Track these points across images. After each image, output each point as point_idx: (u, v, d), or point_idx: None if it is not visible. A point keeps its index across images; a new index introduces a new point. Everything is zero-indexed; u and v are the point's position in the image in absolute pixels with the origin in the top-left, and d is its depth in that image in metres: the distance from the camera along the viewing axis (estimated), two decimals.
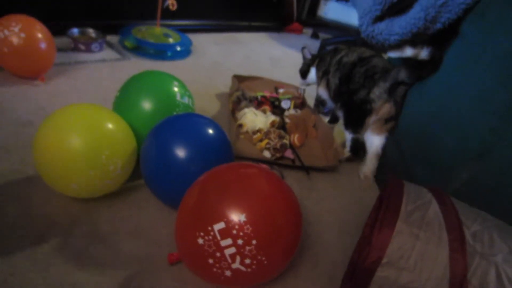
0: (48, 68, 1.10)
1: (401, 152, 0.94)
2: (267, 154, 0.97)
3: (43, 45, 1.03)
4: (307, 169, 1.00)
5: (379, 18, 0.90)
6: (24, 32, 0.98)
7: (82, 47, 1.33)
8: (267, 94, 1.25)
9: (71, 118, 0.64)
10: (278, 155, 0.98)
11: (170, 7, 1.41)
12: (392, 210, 0.57)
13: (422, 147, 0.85)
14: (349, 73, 1.01)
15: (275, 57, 1.87)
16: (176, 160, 0.65)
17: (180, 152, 0.65)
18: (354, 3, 1.02)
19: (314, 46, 2.22)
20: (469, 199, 0.66)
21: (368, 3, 0.91)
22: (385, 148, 1.05)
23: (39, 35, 1.02)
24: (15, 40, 0.97)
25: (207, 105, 1.23)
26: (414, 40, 0.81)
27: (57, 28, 1.21)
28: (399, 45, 0.86)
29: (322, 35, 2.43)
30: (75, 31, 1.37)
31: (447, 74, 0.82)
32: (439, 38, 0.82)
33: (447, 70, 0.82)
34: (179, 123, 0.69)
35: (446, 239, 0.54)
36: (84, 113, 0.66)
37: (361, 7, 0.93)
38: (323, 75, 1.21)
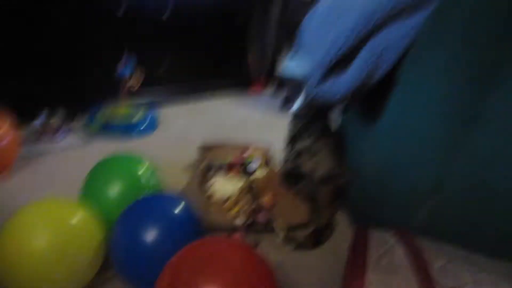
0: (12, 164, 1.10)
1: (367, 198, 0.99)
2: (239, 221, 0.98)
3: (5, 142, 1.03)
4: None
5: (325, 76, 0.93)
6: None
7: (46, 137, 1.35)
8: (234, 159, 1.29)
9: (33, 220, 0.64)
10: (249, 220, 0.99)
11: (132, 88, 1.48)
12: (359, 263, 0.59)
13: (382, 192, 0.90)
14: None
15: (241, 120, 1.95)
16: (146, 245, 0.65)
17: (149, 237, 0.65)
18: (306, 49, 0.97)
19: (275, 105, 2.34)
20: (434, 231, 0.70)
21: (320, 52, 0.87)
22: (354, 193, 1.09)
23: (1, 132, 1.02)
24: None
25: (175, 180, 1.23)
26: (354, 97, 0.88)
27: (21, 118, 1.22)
28: (342, 101, 0.93)
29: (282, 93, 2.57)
30: (37, 123, 1.39)
31: (391, 122, 0.88)
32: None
33: (391, 118, 0.88)
34: (145, 207, 0.70)
35: (415, 280, 0.57)
36: (47, 212, 0.66)
37: (314, 56, 0.91)
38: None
